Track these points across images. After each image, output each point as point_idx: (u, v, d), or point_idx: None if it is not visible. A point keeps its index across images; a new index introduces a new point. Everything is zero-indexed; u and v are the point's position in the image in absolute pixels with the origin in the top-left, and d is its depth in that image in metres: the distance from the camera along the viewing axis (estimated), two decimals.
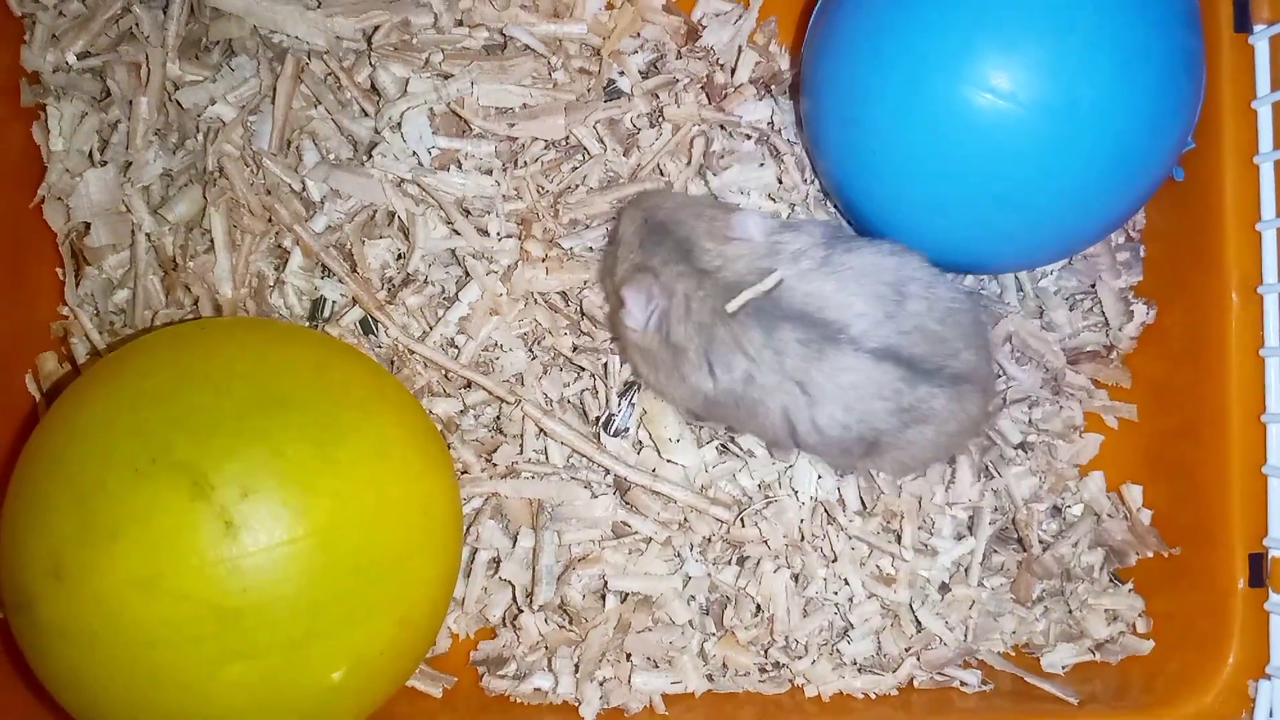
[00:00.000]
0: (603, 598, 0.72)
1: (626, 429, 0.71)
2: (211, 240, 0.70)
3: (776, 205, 0.74)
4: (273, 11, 0.70)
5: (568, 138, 0.72)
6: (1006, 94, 0.59)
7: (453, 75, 0.70)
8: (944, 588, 0.73)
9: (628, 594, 0.71)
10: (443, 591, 0.62)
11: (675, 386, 0.66)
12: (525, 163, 0.72)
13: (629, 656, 0.71)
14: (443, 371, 0.72)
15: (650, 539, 0.71)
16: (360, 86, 0.71)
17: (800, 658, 0.71)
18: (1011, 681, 0.72)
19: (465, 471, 0.72)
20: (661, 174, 0.73)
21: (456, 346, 0.72)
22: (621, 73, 0.74)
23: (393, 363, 0.71)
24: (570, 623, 0.71)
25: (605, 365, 0.71)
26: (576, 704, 0.70)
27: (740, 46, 0.75)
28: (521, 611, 0.71)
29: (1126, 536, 0.74)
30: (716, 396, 0.64)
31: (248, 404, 0.54)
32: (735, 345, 0.62)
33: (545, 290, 0.72)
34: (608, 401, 0.71)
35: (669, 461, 0.71)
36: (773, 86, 0.75)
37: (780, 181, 0.74)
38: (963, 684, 0.72)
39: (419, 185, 0.70)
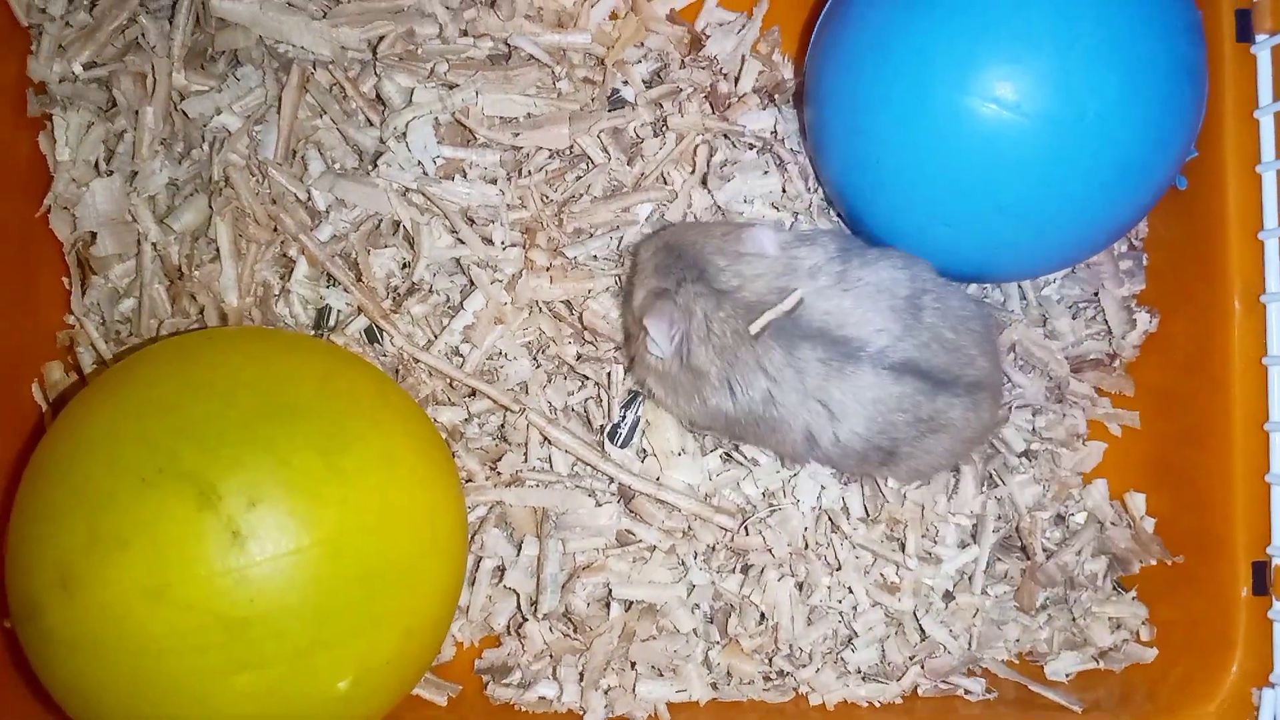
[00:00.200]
0: (607, 606, 0.72)
1: (630, 440, 0.71)
2: (217, 249, 0.71)
3: (780, 214, 0.74)
4: (278, 22, 0.71)
5: (572, 147, 0.73)
6: (1010, 104, 0.59)
7: (457, 85, 0.71)
8: (948, 596, 0.73)
9: (632, 602, 0.71)
10: (448, 600, 0.62)
11: (695, 409, 0.66)
12: (530, 172, 0.72)
13: (633, 665, 0.71)
14: (447, 380, 0.72)
15: (654, 547, 0.72)
16: (365, 96, 0.71)
17: (804, 666, 0.72)
18: (1015, 690, 0.72)
19: (470, 480, 0.72)
20: (665, 182, 0.73)
21: (461, 355, 0.72)
22: (625, 82, 0.74)
23: (397, 371, 0.71)
24: (575, 631, 0.71)
25: (609, 374, 0.72)
26: (581, 713, 0.70)
27: (744, 56, 0.76)
28: (526, 620, 0.72)
29: (1130, 544, 0.74)
30: (737, 417, 0.64)
31: (254, 413, 0.54)
32: (757, 366, 0.62)
33: (549, 299, 0.72)
34: (610, 411, 0.72)
35: (673, 470, 0.71)
36: (776, 96, 0.76)
37: (784, 190, 0.74)
38: (967, 692, 0.72)
39: (424, 194, 0.70)
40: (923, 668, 0.72)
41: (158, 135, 0.71)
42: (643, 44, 0.75)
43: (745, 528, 0.71)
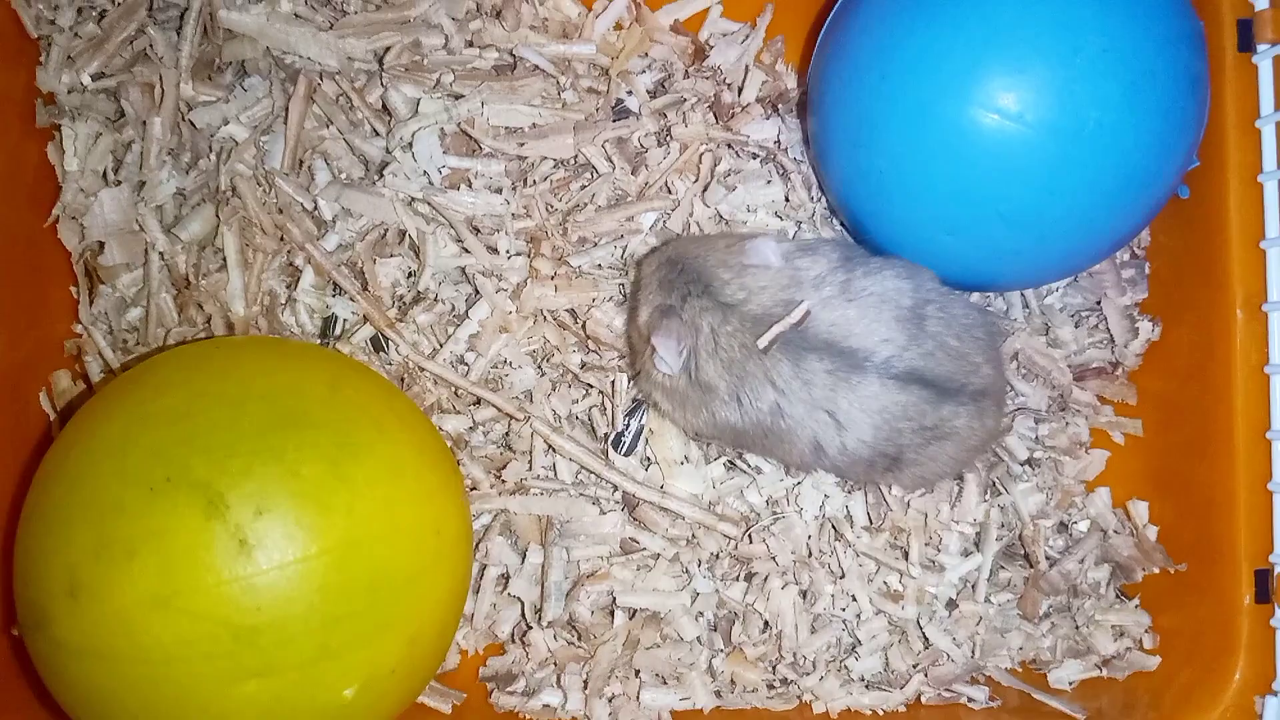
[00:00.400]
0: (611, 614, 0.72)
1: (634, 448, 0.72)
2: (224, 259, 0.71)
3: (784, 223, 0.74)
4: (285, 33, 0.71)
5: (576, 157, 0.73)
6: (1013, 115, 0.59)
7: (463, 95, 0.71)
8: (951, 604, 0.73)
9: (636, 610, 0.72)
10: (453, 609, 0.62)
11: (703, 422, 0.66)
12: (534, 181, 0.72)
13: (637, 673, 0.71)
14: (452, 389, 0.72)
15: (658, 555, 0.72)
16: (372, 107, 0.72)
17: (808, 674, 0.72)
18: (1019, 698, 0.72)
19: (474, 488, 0.72)
20: (670, 192, 0.74)
21: (466, 364, 0.72)
22: (630, 92, 0.74)
23: (403, 380, 0.72)
24: (579, 639, 0.72)
25: (613, 383, 0.72)
26: None
27: (747, 66, 0.76)
28: (530, 628, 0.72)
29: (1133, 552, 0.74)
30: (745, 428, 0.65)
31: (263, 423, 0.54)
32: (765, 379, 0.63)
33: (554, 308, 0.72)
34: (614, 419, 0.72)
35: (676, 479, 0.72)
36: (780, 105, 0.76)
37: (787, 199, 0.75)
38: (970, 700, 0.72)
39: (429, 204, 0.71)
40: (926, 676, 0.72)
41: (165, 145, 0.72)
42: (647, 54, 0.76)
43: (749, 536, 0.71)
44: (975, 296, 0.75)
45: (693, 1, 0.77)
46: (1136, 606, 0.75)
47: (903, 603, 0.72)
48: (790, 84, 0.77)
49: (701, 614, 0.72)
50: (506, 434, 0.73)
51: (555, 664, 0.72)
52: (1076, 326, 0.77)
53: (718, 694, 0.72)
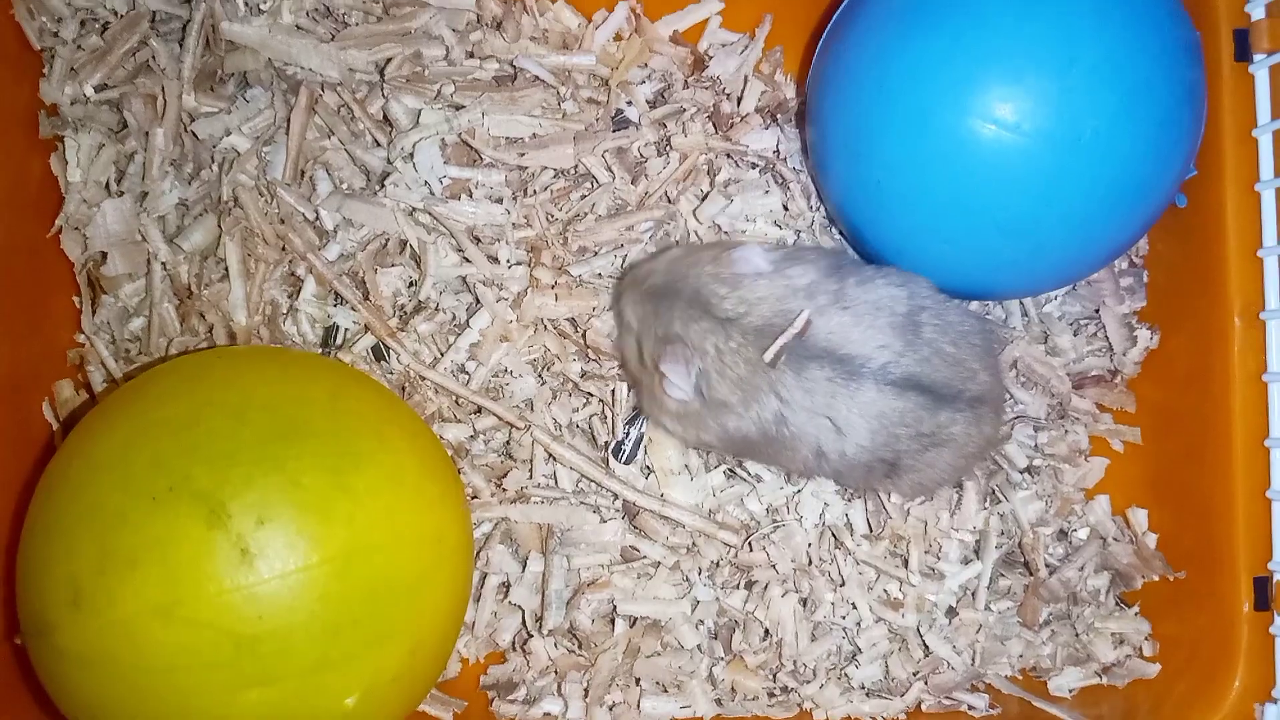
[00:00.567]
0: (612, 622, 0.72)
1: (635, 456, 0.72)
2: (226, 269, 0.71)
3: (783, 232, 0.75)
4: (287, 44, 0.72)
5: (577, 166, 0.73)
6: (1011, 125, 0.60)
7: (464, 106, 0.71)
8: (951, 612, 0.73)
9: (636, 618, 0.72)
10: (454, 617, 0.62)
11: (713, 435, 0.66)
12: (535, 191, 0.73)
13: (638, 681, 0.71)
14: (453, 397, 0.72)
15: (659, 563, 0.72)
16: (373, 117, 0.72)
17: (808, 682, 0.72)
18: (1019, 705, 0.73)
19: (475, 496, 0.72)
20: (669, 201, 0.74)
21: (467, 373, 0.72)
22: (629, 102, 0.75)
23: (404, 389, 0.72)
24: (579, 647, 0.72)
25: (613, 391, 0.72)
26: None
27: (746, 76, 0.77)
28: (531, 636, 0.72)
29: (1132, 560, 0.75)
30: (755, 437, 0.65)
31: (265, 433, 0.55)
32: (770, 390, 0.63)
33: (555, 317, 0.72)
34: (614, 428, 0.72)
35: (677, 487, 0.72)
36: (778, 115, 0.76)
37: (786, 208, 0.75)
38: (970, 708, 0.72)
39: (430, 214, 0.71)
40: (926, 683, 0.72)
41: (168, 156, 0.72)
42: (646, 65, 0.76)
43: (749, 544, 0.71)
44: (974, 305, 0.75)
45: (692, 12, 0.78)
46: (1136, 614, 0.75)
47: (903, 610, 0.72)
48: (789, 94, 0.77)
49: (702, 622, 0.72)
50: (507, 442, 0.73)
51: (556, 672, 0.72)
52: (1075, 335, 0.77)
53: (718, 702, 0.72)
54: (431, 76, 0.72)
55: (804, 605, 0.72)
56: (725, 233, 0.74)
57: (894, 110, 0.63)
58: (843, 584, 0.72)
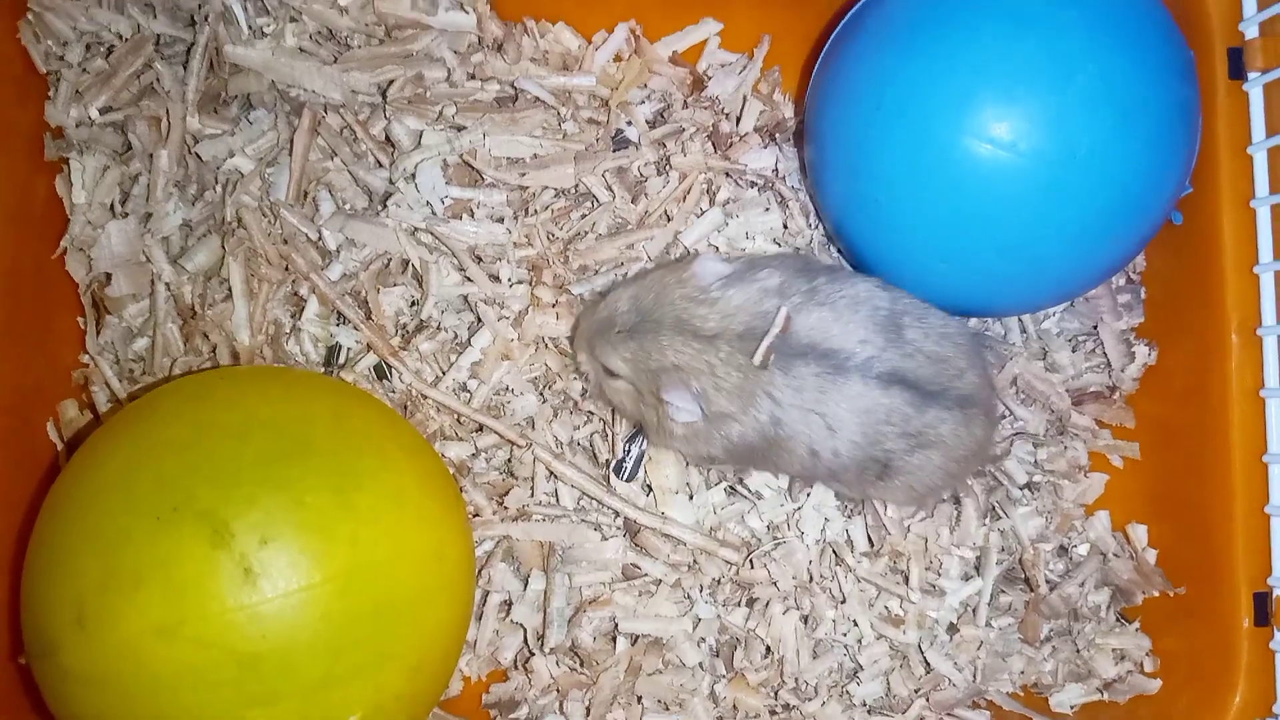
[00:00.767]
0: (613, 640, 0.72)
1: (636, 474, 0.72)
2: (229, 289, 0.72)
3: (782, 249, 0.75)
4: (290, 67, 0.72)
5: (577, 186, 0.74)
6: (1007, 144, 0.60)
7: (465, 127, 0.72)
8: (952, 628, 0.73)
9: (638, 636, 0.72)
10: (456, 636, 0.62)
11: (719, 448, 0.67)
12: (536, 211, 0.73)
13: (640, 699, 0.72)
14: (455, 416, 0.73)
15: (660, 581, 0.72)
16: (375, 139, 0.73)
17: (810, 699, 0.72)
18: None
19: (477, 514, 0.72)
20: (669, 220, 0.75)
21: (469, 391, 0.73)
22: (629, 123, 0.75)
23: (406, 407, 0.72)
24: (581, 665, 0.72)
25: (614, 410, 0.72)
26: None
27: (745, 96, 0.77)
28: (533, 654, 0.72)
29: (1133, 576, 0.75)
30: (756, 442, 0.65)
31: (268, 452, 0.55)
32: (763, 392, 0.63)
33: (555, 335, 0.73)
34: (614, 446, 0.72)
35: (677, 505, 0.72)
36: (777, 135, 0.77)
37: (785, 226, 0.76)
38: None
39: (432, 234, 0.72)
40: (928, 700, 0.72)
41: (172, 178, 0.73)
42: (646, 85, 0.77)
43: (750, 561, 0.72)
44: (973, 321, 0.76)
45: (691, 33, 0.78)
46: (1137, 630, 0.75)
47: (904, 627, 0.72)
48: (787, 113, 0.78)
49: (703, 640, 0.73)
50: (509, 460, 0.73)
51: (558, 690, 0.72)
52: (1074, 351, 0.77)
53: None
54: (433, 98, 0.73)
55: (805, 622, 0.72)
56: (729, 251, 0.74)
57: (891, 129, 0.63)
58: (844, 601, 0.72)
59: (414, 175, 0.71)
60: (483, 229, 0.72)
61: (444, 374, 0.72)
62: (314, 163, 0.73)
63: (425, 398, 0.72)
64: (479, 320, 0.72)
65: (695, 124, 0.76)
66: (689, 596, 0.72)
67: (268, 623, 0.52)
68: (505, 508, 0.72)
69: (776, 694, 0.72)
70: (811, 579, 0.72)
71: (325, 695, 0.53)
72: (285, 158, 0.73)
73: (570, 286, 0.73)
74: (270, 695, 0.52)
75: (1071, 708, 0.74)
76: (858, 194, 0.67)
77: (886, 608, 0.73)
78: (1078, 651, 0.74)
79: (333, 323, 0.73)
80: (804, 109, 0.73)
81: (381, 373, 0.72)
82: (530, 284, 0.73)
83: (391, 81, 0.73)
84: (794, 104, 0.78)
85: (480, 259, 0.73)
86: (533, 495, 0.73)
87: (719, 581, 0.72)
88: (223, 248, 0.72)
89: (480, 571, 0.72)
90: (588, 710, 0.71)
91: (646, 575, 0.72)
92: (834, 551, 0.73)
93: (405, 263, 0.73)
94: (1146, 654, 0.74)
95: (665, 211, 0.75)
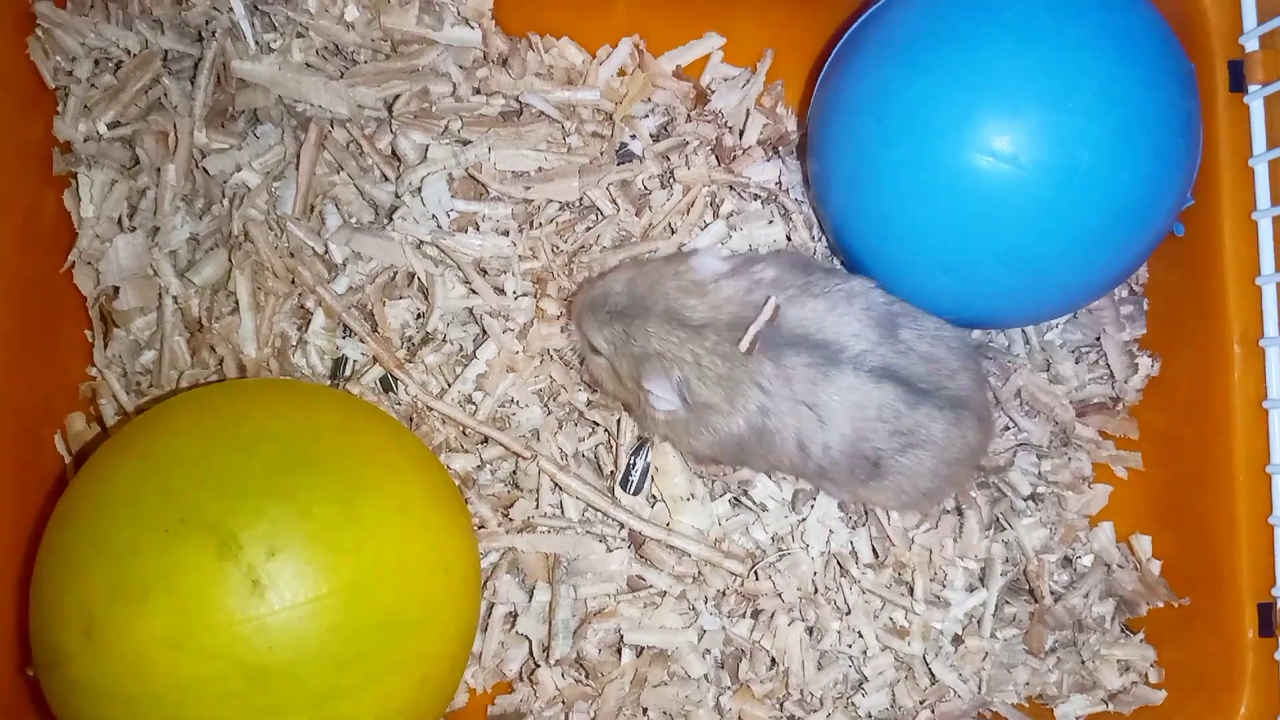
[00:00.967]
0: (618, 652, 0.72)
1: (641, 486, 0.72)
2: (236, 302, 0.72)
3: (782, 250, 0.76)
4: (297, 82, 0.73)
5: (582, 199, 0.74)
6: (1008, 157, 0.60)
7: (470, 141, 0.72)
8: (957, 639, 0.73)
9: (643, 648, 0.72)
10: (462, 647, 0.63)
11: (705, 441, 0.67)
12: (540, 224, 0.74)
13: (645, 711, 0.72)
14: (460, 428, 0.73)
15: (665, 592, 0.72)
16: (381, 153, 0.73)
17: (815, 711, 0.72)
18: None
19: (482, 526, 0.73)
20: (673, 232, 0.75)
21: (474, 403, 0.73)
22: (633, 136, 0.76)
23: (411, 419, 0.73)
24: (586, 677, 0.72)
25: (619, 421, 0.73)
26: None
27: (748, 110, 0.78)
28: (538, 666, 0.72)
29: (1137, 587, 0.75)
30: (743, 435, 0.65)
31: (276, 464, 0.55)
32: (751, 382, 0.64)
33: (560, 347, 0.73)
34: (618, 458, 0.73)
35: (682, 516, 0.72)
36: (780, 148, 0.77)
37: (789, 239, 0.76)
38: None
39: (438, 247, 0.72)
40: (933, 712, 0.72)
41: (179, 192, 0.73)
42: (650, 99, 0.77)
43: (755, 573, 0.72)
44: (977, 333, 0.76)
45: (694, 48, 0.79)
46: (1141, 641, 0.75)
47: (909, 638, 0.72)
48: (790, 126, 0.78)
49: (708, 651, 0.73)
50: (514, 472, 0.74)
51: (563, 702, 0.72)
52: (1077, 362, 0.77)
53: None
54: (439, 112, 0.74)
55: (810, 634, 0.72)
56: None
57: (893, 143, 0.64)
58: (848, 612, 0.72)
59: (420, 189, 0.72)
60: (488, 242, 0.72)
61: (449, 386, 0.73)
62: (320, 177, 0.73)
63: (430, 410, 0.72)
64: (484, 333, 0.73)
65: (699, 137, 0.76)
66: (694, 608, 0.73)
67: (275, 634, 0.52)
68: (510, 519, 0.73)
69: (782, 705, 0.72)
70: (816, 590, 0.72)
71: (332, 706, 0.54)
72: (292, 172, 0.73)
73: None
74: (277, 707, 0.52)
75: (1077, 719, 0.73)
76: (860, 206, 0.67)
77: (891, 619, 0.73)
78: (1082, 662, 0.74)
79: (339, 335, 0.73)
80: (807, 122, 0.74)
81: (387, 385, 0.73)
82: (535, 296, 0.73)
83: (397, 96, 0.73)
84: (797, 117, 0.79)
85: (485, 272, 0.73)
86: (538, 507, 0.73)
87: (724, 593, 0.72)
88: (230, 261, 0.72)
89: (485, 583, 0.73)
90: None
91: (651, 587, 0.72)
92: (838, 563, 0.73)
93: (411, 276, 0.73)
94: (1151, 665, 0.74)
95: (669, 224, 0.75)
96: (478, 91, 0.75)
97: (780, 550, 0.73)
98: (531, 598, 0.72)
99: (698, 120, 0.77)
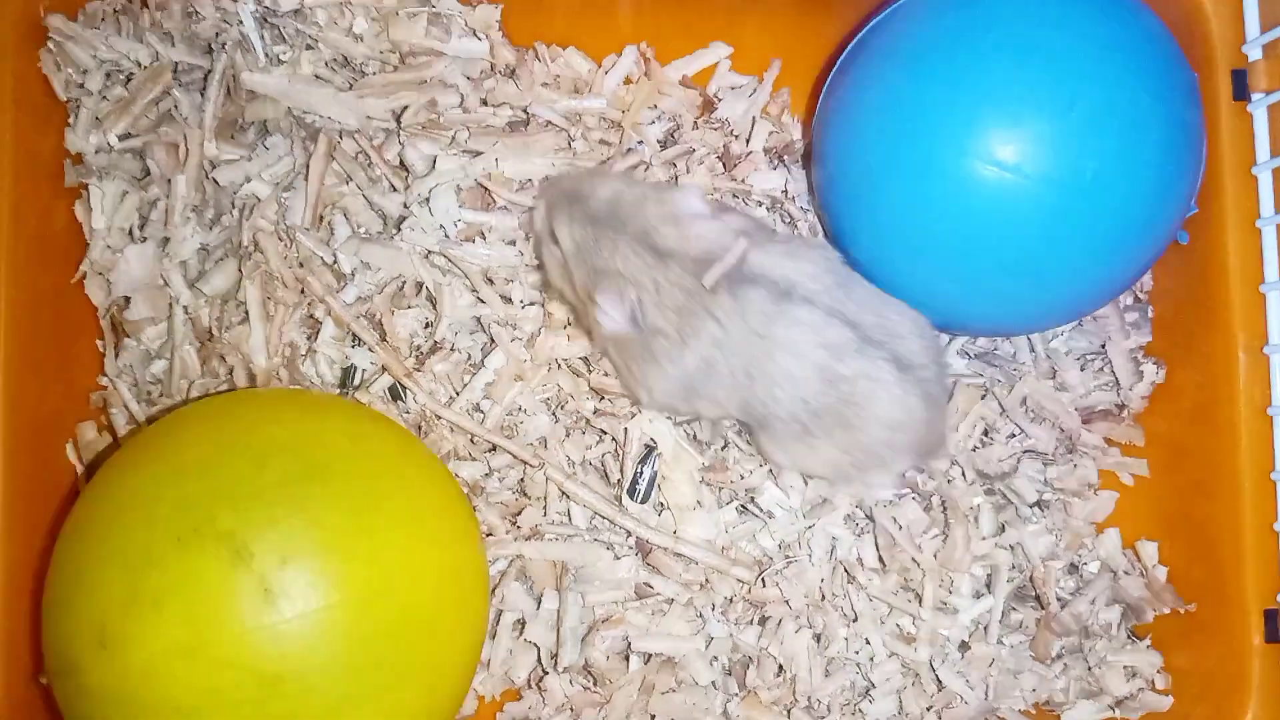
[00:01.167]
0: (626, 659, 0.73)
1: (649, 494, 0.73)
2: (246, 312, 0.73)
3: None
4: (306, 94, 0.73)
5: None
6: (1012, 167, 0.61)
7: (479, 152, 0.73)
8: (964, 646, 0.74)
9: (651, 655, 0.72)
10: (471, 654, 0.63)
11: (654, 379, 0.67)
12: None
13: (653, 718, 0.72)
14: (468, 436, 0.73)
15: (673, 600, 0.73)
16: (390, 164, 0.74)
17: (823, 717, 0.72)
18: None
19: (490, 534, 0.73)
20: None
21: (482, 411, 0.73)
22: (640, 143, 0.76)
23: (420, 428, 0.73)
24: (595, 684, 0.72)
25: (625, 429, 0.73)
26: None
27: (754, 118, 0.78)
28: (547, 673, 0.72)
29: (1143, 593, 0.75)
30: (691, 372, 0.66)
31: (287, 473, 0.56)
32: (706, 313, 0.65)
33: (567, 356, 0.73)
34: (624, 466, 0.73)
35: (689, 524, 0.73)
36: (786, 156, 0.78)
37: None
38: None
39: (446, 257, 0.73)
40: (940, 718, 0.72)
41: (189, 203, 0.74)
42: (656, 106, 0.78)
43: (762, 580, 0.72)
44: (982, 340, 0.76)
45: (701, 56, 0.79)
46: (1148, 647, 0.75)
47: (915, 645, 0.72)
48: (796, 135, 0.79)
49: (716, 658, 0.73)
50: (522, 480, 0.74)
51: (572, 709, 0.72)
52: (1082, 370, 0.77)
53: None
54: (447, 123, 0.74)
55: (817, 641, 0.73)
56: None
57: (898, 152, 0.64)
58: (855, 619, 0.73)
59: (428, 199, 0.72)
60: (495, 252, 0.73)
61: (458, 395, 0.73)
62: (329, 187, 0.74)
63: (439, 418, 0.73)
64: (492, 341, 0.73)
65: (705, 145, 0.77)
66: (701, 615, 0.73)
67: (287, 642, 0.52)
68: (518, 527, 0.73)
69: (789, 712, 0.72)
70: (823, 597, 0.73)
71: (344, 715, 0.54)
72: (301, 183, 0.73)
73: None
74: (290, 715, 0.53)
75: None
76: (865, 215, 0.68)
77: (898, 625, 0.73)
78: (1089, 669, 0.74)
79: (348, 345, 0.73)
80: (812, 131, 0.74)
81: (396, 394, 0.73)
82: (542, 305, 0.73)
83: (406, 107, 0.74)
84: (802, 126, 0.79)
85: (493, 281, 0.74)
86: (545, 515, 0.73)
87: (731, 600, 0.73)
88: (239, 271, 0.73)
89: (494, 591, 0.73)
90: None
91: (659, 594, 0.73)
92: (845, 570, 0.73)
93: (419, 285, 0.73)
94: (1158, 671, 0.74)
95: None
96: (485, 102, 0.75)
97: (787, 557, 0.73)
98: (540, 605, 0.73)
99: (704, 128, 0.77)
